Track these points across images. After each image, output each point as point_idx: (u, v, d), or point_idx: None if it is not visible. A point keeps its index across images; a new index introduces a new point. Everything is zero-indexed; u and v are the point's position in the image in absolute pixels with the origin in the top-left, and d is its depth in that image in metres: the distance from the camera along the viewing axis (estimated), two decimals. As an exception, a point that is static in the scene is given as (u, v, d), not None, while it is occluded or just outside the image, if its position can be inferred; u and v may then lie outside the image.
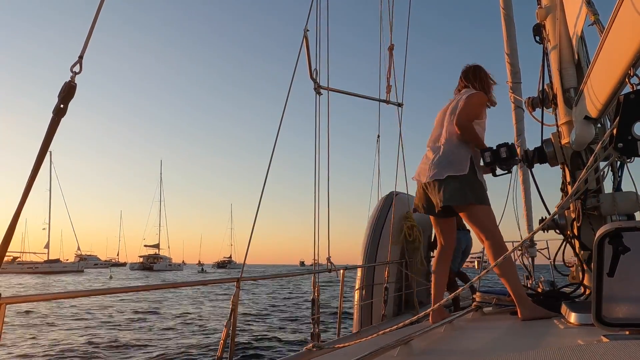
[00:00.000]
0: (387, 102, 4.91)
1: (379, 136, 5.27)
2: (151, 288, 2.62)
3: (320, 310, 3.29)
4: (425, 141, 3.18)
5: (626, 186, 2.99)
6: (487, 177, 3.09)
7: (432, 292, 3.08)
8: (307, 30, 3.47)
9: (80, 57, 1.58)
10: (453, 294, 2.34)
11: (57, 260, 60.37)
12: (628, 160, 2.79)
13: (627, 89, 1.91)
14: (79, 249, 66.67)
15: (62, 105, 1.52)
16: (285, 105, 3.11)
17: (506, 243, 3.06)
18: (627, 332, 1.49)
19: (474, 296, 3.41)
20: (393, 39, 5.03)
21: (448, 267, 3.16)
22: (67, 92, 1.53)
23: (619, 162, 2.92)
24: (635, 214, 2.94)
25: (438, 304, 2.52)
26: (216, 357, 2.36)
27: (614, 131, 1.79)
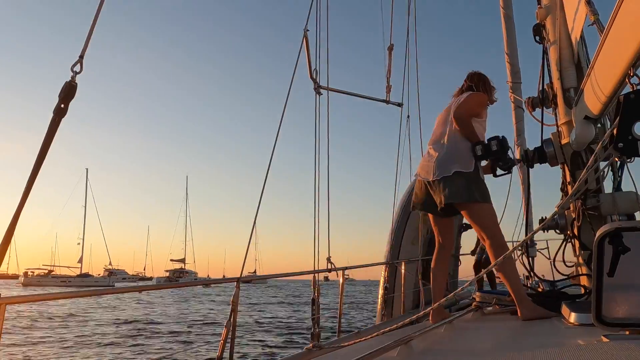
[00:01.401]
0: (387, 102, 4.91)
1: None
2: (150, 288, 2.62)
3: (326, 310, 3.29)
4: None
5: (626, 186, 2.99)
6: (487, 178, 3.09)
7: (432, 291, 3.07)
8: (307, 30, 3.47)
9: (81, 57, 1.58)
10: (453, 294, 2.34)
11: (89, 275, 61.78)
12: (628, 160, 2.79)
13: (627, 88, 1.91)
14: (110, 264, 67.74)
15: (62, 105, 1.51)
16: (285, 105, 3.12)
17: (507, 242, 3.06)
18: (627, 332, 1.49)
19: (474, 296, 3.41)
20: (398, 39, 5.04)
21: (447, 266, 3.16)
22: (68, 91, 1.53)
23: (619, 162, 2.92)
24: (635, 213, 2.94)
25: (438, 303, 2.52)
26: (216, 357, 2.36)
27: (614, 131, 1.79)
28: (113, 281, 61.13)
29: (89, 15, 1.64)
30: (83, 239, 64.39)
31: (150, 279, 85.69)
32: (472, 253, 7.20)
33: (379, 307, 5.29)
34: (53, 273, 60.63)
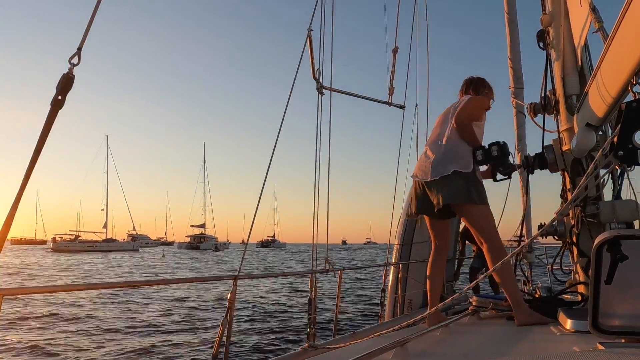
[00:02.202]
0: (390, 104, 4.91)
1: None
2: (150, 284, 2.62)
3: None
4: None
5: (626, 194, 2.99)
6: (487, 182, 3.09)
7: (428, 295, 3.07)
8: (311, 30, 3.47)
9: (79, 49, 1.58)
10: (453, 297, 2.34)
11: (114, 240, 64.38)
12: (628, 168, 2.79)
13: (630, 97, 1.91)
14: (134, 229, 70.82)
15: (60, 97, 1.51)
16: (287, 104, 3.12)
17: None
18: (623, 340, 1.48)
19: (471, 300, 3.41)
20: (403, 42, 5.04)
21: (443, 269, 3.15)
22: (65, 83, 1.53)
23: (619, 170, 2.92)
24: (634, 222, 2.93)
25: (435, 307, 2.51)
26: (212, 355, 2.36)
27: (615, 139, 1.79)
28: (137, 245, 63.87)
29: (88, 6, 1.63)
30: (107, 205, 66.49)
31: (172, 243, 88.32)
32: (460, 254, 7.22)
33: (388, 305, 5.42)
34: (80, 238, 62.61)
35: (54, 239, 60.68)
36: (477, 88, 3.18)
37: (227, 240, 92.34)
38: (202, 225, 76.37)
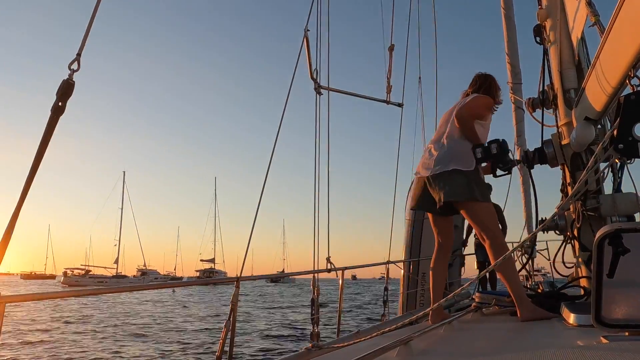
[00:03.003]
0: (388, 102, 4.91)
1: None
2: (150, 288, 2.62)
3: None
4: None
5: (626, 187, 2.99)
6: (487, 179, 3.09)
7: (431, 292, 3.07)
8: (308, 30, 3.47)
9: (78, 55, 1.58)
10: (452, 294, 2.34)
11: (124, 276, 63.41)
12: (628, 161, 2.79)
13: (628, 90, 1.91)
14: (145, 264, 69.65)
15: (60, 104, 1.51)
16: (286, 105, 3.12)
17: (506, 243, 3.05)
18: (627, 334, 1.48)
19: (474, 296, 3.41)
20: (399, 40, 5.04)
21: (446, 266, 3.15)
22: (65, 90, 1.52)
23: (619, 163, 2.92)
24: (635, 215, 2.93)
25: (437, 304, 2.51)
26: (216, 357, 2.36)
27: (614, 132, 1.79)
28: (147, 281, 62.59)
29: (88, 11, 1.64)
30: (119, 240, 66.18)
31: (181, 278, 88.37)
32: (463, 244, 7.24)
33: (400, 300, 5.53)
34: (90, 273, 62.29)
35: (64, 273, 60.55)
36: (489, 89, 3.16)
37: (237, 275, 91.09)
38: (212, 260, 76.22)
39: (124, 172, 68.55)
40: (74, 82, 1.54)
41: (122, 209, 65.53)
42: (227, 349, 2.39)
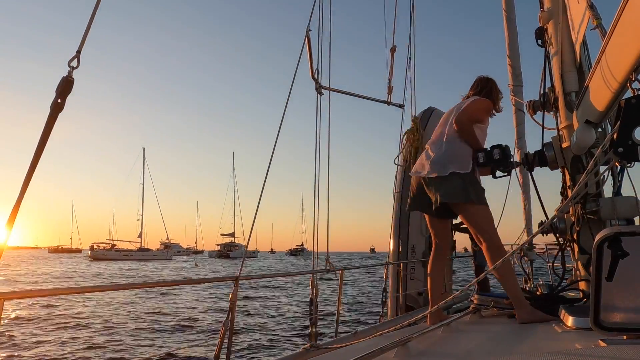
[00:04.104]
0: (389, 103, 4.91)
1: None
2: (152, 285, 2.62)
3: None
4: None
5: (626, 191, 2.99)
6: (486, 179, 3.09)
7: (429, 294, 3.06)
8: (310, 30, 3.47)
9: (78, 52, 1.58)
10: (452, 296, 2.34)
11: (148, 249, 66.44)
12: (628, 165, 2.79)
13: (629, 93, 1.91)
14: (167, 238, 72.90)
15: (59, 100, 1.51)
16: (286, 105, 3.12)
17: (505, 246, 3.05)
18: (625, 337, 1.48)
19: (472, 298, 3.41)
20: (401, 41, 5.05)
21: (444, 268, 3.15)
22: (65, 87, 1.53)
23: (619, 167, 2.92)
24: (634, 218, 2.93)
25: (436, 305, 2.51)
26: (214, 356, 2.36)
27: (615, 136, 1.79)
28: (170, 254, 65.70)
29: (86, 9, 1.64)
30: (142, 215, 68.62)
31: (202, 252, 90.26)
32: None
33: (389, 303, 5.45)
34: (116, 247, 64.61)
35: (91, 247, 62.35)
36: (489, 93, 3.16)
37: (256, 249, 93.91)
38: (232, 234, 77.68)
39: (144, 148, 70.86)
40: (73, 79, 1.54)
41: (143, 184, 67.79)
42: (225, 348, 2.39)
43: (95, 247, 62.39)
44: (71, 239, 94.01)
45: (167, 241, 72.95)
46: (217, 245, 75.93)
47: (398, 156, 5.31)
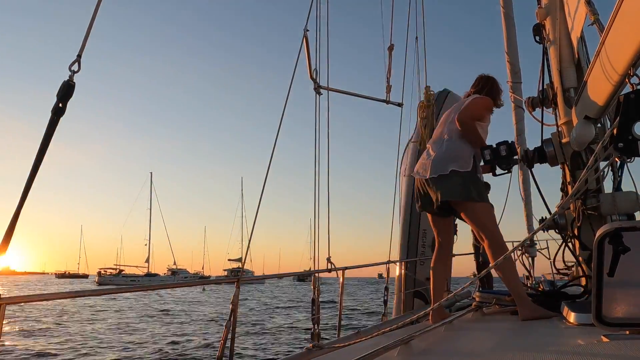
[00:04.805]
0: (387, 102, 4.90)
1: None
2: (151, 288, 2.62)
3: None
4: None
5: (626, 186, 2.99)
6: (487, 177, 3.09)
7: (431, 292, 3.07)
8: (307, 30, 3.47)
9: (79, 56, 1.58)
10: (452, 294, 2.34)
11: (156, 274, 65.89)
12: (628, 160, 2.78)
13: (627, 88, 1.91)
14: (175, 263, 72.09)
15: (60, 105, 1.51)
16: (285, 105, 3.11)
17: (506, 242, 3.05)
18: (627, 332, 1.48)
19: (474, 296, 3.41)
20: (399, 39, 5.05)
21: (447, 266, 3.15)
22: (66, 91, 1.53)
23: (619, 162, 2.92)
24: (635, 213, 2.93)
25: (438, 303, 2.51)
26: (217, 357, 2.36)
27: (614, 131, 1.79)
28: (177, 280, 64.63)
29: (87, 13, 1.64)
30: (149, 240, 68.23)
31: (209, 277, 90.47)
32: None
33: (395, 301, 5.51)
34: (123, 272, 64.45)
35: (99, 273, 62.40)
36: (490, 91, 3.17)
37: (263, 274, 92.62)
38: (239, 260, 77.06)
39: (151, 173, 70.56)
40: (74, 83, 1.54)
41: (150, 209, 67.55)
42: (227, 350, 2.39)
43: (102, 272, 62.53)
44: (78, 264, 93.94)
45: (174, 266, 72.62)
46: (224, 270, 75.57)
47: (403, 153, 5.36)
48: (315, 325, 3.08)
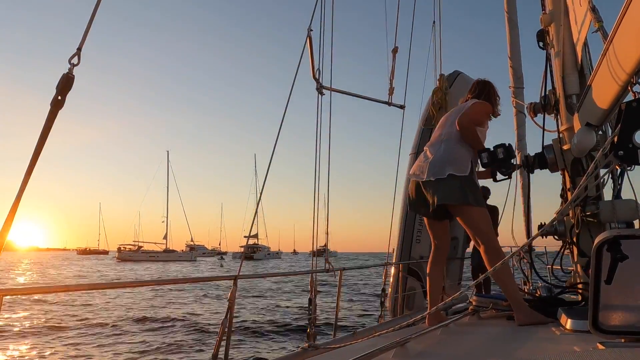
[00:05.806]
0: (390, 103, 4.90)
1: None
2: (151, 283, 2.62)
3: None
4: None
5: (626, 194, 2.98)
6: (487, 183, 3.09)
7: (428, 295, 3.06)
8: (311, 30, 3.47)
9: (79, 49, 1.58)
10: (451, 297, 2.34)
11: (174, 251, 67.57)
12: (628, 168, 2.78)
13: (630, 96, 1.91)
14: (192, 240, 74.58)
15: (60, 97, 1.51)
16: (287, 104, 3.12)
17: (503, 248, 3.05)
18: (623, 340, 1.48)
19: (471, 300, 3.41)
20: (403, 42, 5.06)
21: (443, 269, 3.15)
22: (65, 84, 1.53)
23: (619, 170, 2.91)
24: (634, 222, 2.93)
25: (435, 307, 2.51)
26: (212, 355, 2.35)
27: (615, 139, 1.79)
28: (195, 256, 67.22)
29: (87, 6, 1.64)
30: (167, 217, 70.03)
31: (225, 253, 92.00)
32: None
33: (388, 302, 5.47)
34: (142, 249, 66.30)
35: (119, 249, 63.66)
36: (488, 96, 3.16)
37: (279, 250, 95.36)
38: (255, 235, 78.23)
39: (168, 151, 72.47)
40: (73, 76, 1.55)
41: (167, 187, 69.11)
42: (223, 347, 2.39)
43: (122, 248, 63.83)
44: (98, 240, 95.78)
45: (192, 243, 74.15)
46: (241, 247, 76.10)
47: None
48: (311, 325, 3.08)
